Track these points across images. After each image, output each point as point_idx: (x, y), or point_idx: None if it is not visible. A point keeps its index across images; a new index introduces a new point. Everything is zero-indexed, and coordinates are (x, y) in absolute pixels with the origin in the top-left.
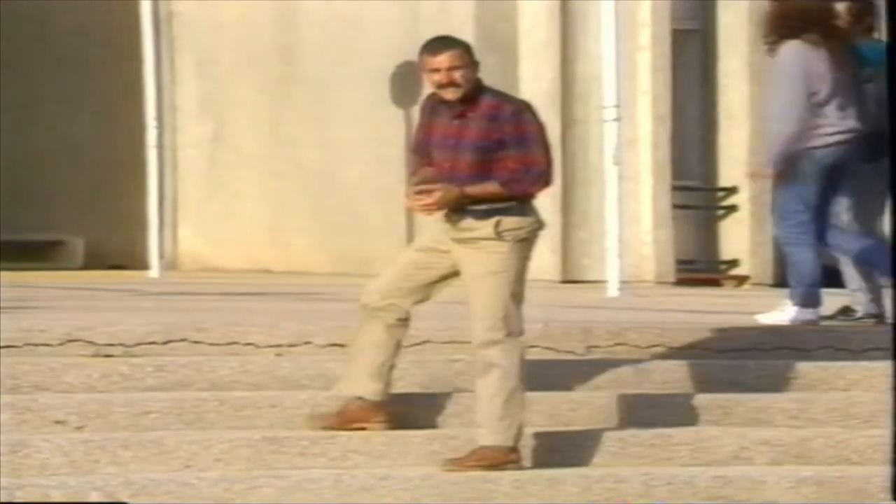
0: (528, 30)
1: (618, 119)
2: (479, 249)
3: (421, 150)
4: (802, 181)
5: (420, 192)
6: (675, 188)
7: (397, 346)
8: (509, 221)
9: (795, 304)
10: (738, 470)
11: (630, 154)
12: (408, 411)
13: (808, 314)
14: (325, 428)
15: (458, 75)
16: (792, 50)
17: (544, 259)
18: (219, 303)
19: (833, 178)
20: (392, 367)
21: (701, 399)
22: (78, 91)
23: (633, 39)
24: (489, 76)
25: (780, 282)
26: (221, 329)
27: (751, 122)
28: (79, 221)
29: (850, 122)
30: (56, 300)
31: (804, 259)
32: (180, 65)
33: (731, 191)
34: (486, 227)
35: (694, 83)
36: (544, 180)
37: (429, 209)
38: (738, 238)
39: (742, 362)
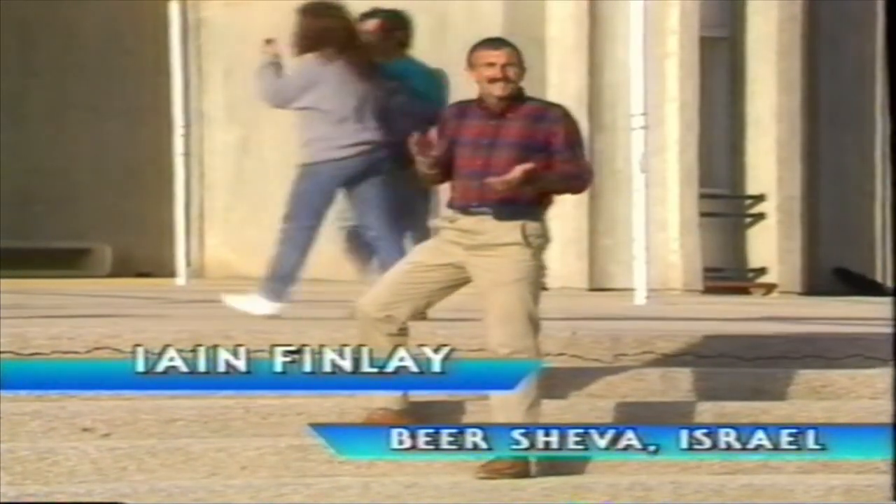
0: (556, 37)
1: (645, 126)
2: (502, 256)
3: (437, 154)
4: (320, 189)
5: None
6: (702, 196)
7: None
8: (534, 226)
9: (264, 296)
10: (766, 479)
11: (658, 161)
12: (434, 419)
13: (270, 308)
14: None
15: (511, 72)
16: (306, 64)
17: (571, 266)
18: None
19: (355, 187)
20: None
21: (728, 407)
22: (105, 99)
23: (662, 46)
24: None
25: (809, 290)
26: (248, 336)
27: (779, 130)
28: (106, 229)
29: (369, 135)
30: (84, 308)
31: (290, 259)
32: (208, 72)
33: (759, 198)
34: (511, 232)
35: (722, 90)
36: (589, 184)
37: (506, 186)
38: (766, 246)
39: (770, 371)
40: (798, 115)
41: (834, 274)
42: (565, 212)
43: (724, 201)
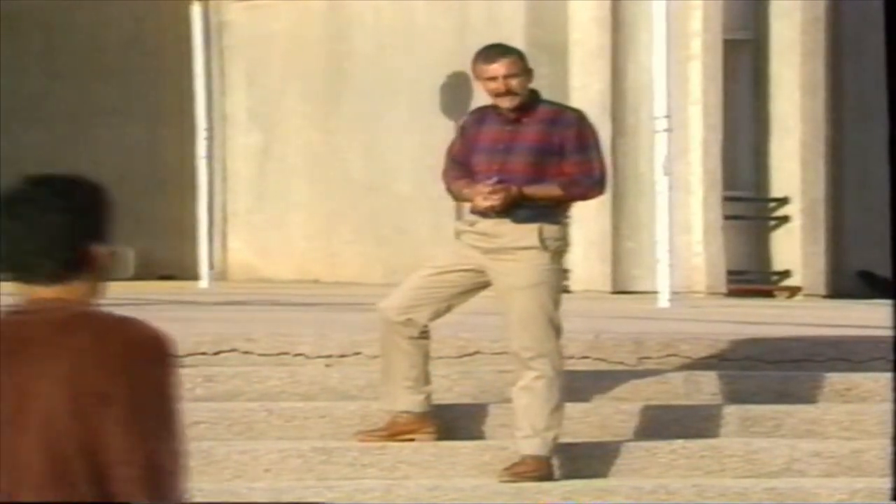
0: (579, 39)
1: (669, 129)
2: (520, 260)
3: (460, 160)
4: None
5: (491, 192)
6: (726, 198)
7: (425, 356)
8: (551, 230)
9: None
10: (790, 482)
11: (681, 164)
12: (457, 422)
13: None
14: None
15: (514, 83)
16: None
17: (595, 269)
18: (268, 313)
19: None
20: (427, 375)
21: (752, 410)
22: (129, 102)
23: (685, 49)
24: (539, 86)
25: (833, 293)
26: (271, 339)
27: (803, 132)
28: (129, 231)
29: None
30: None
31: None
32: (230, 75)
33: (783, 201)
34: (528, 235)
35: (746, 93)
36: (601, 187)
37: (493, 208)
38: (790, 249)
39: (794, 374)
40: (822, 118)
41: (858, 277)
42: (588, 215)
43: (747, 204)
